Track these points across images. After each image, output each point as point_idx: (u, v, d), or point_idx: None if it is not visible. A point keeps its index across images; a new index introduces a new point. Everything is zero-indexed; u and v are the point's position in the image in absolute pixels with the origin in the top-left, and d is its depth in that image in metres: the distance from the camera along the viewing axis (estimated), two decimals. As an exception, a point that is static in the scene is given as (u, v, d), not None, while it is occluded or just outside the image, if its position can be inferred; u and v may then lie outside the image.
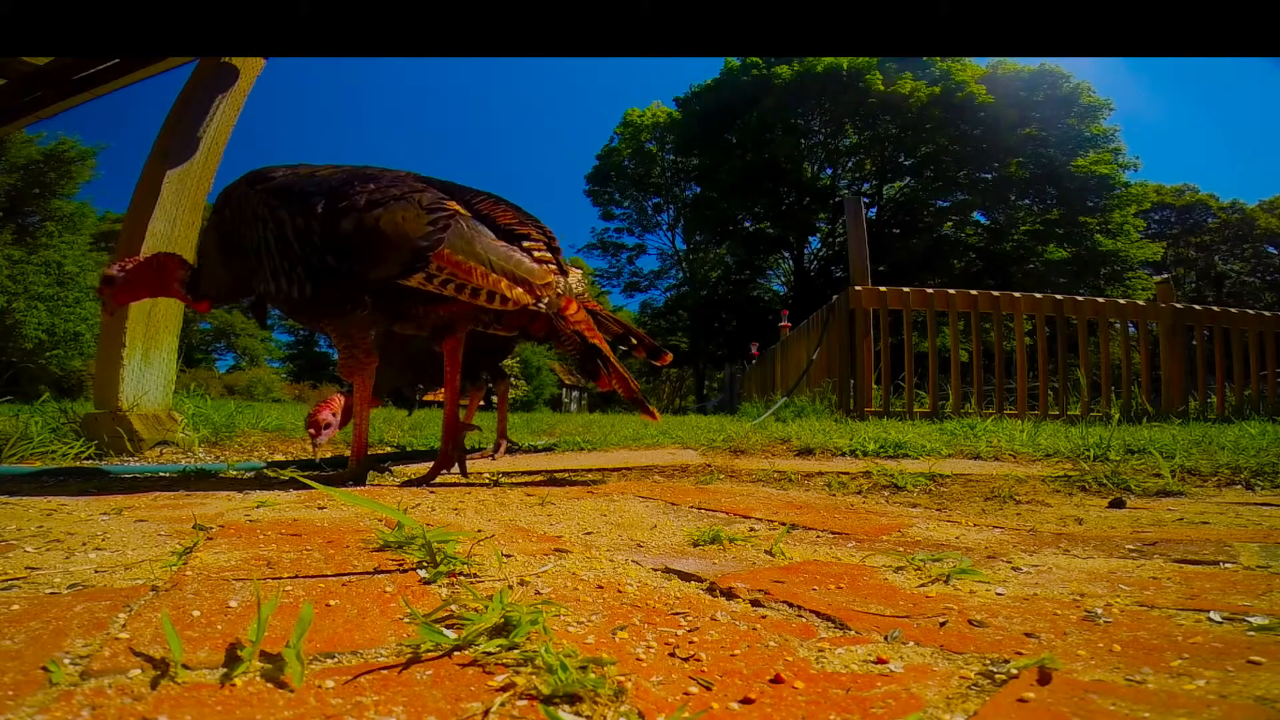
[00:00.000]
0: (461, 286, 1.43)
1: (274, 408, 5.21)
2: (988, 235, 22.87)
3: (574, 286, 1.86)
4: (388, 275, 1.42)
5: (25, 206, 17.53)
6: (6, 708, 0.38)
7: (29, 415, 2.30)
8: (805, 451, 2.15)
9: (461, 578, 0.69)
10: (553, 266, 1.58)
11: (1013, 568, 0.76)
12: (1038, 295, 4.54)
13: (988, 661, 0.47)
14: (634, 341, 1.82)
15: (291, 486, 1.50)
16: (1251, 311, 4.88)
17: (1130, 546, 0.87)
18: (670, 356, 1.89)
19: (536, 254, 1.55)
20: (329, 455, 2.25)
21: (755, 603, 0.63)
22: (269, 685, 0.42)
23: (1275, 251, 28.20)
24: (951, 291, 4.40)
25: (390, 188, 1.47)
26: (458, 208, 1.49)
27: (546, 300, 1.53)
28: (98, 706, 0.39)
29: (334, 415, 1.92)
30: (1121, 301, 4.80)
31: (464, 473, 1.69)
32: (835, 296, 4.62)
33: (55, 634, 0.50)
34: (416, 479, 1.61)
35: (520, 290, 1.47)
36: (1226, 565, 0.76)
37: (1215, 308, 4.84)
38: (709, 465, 1.88)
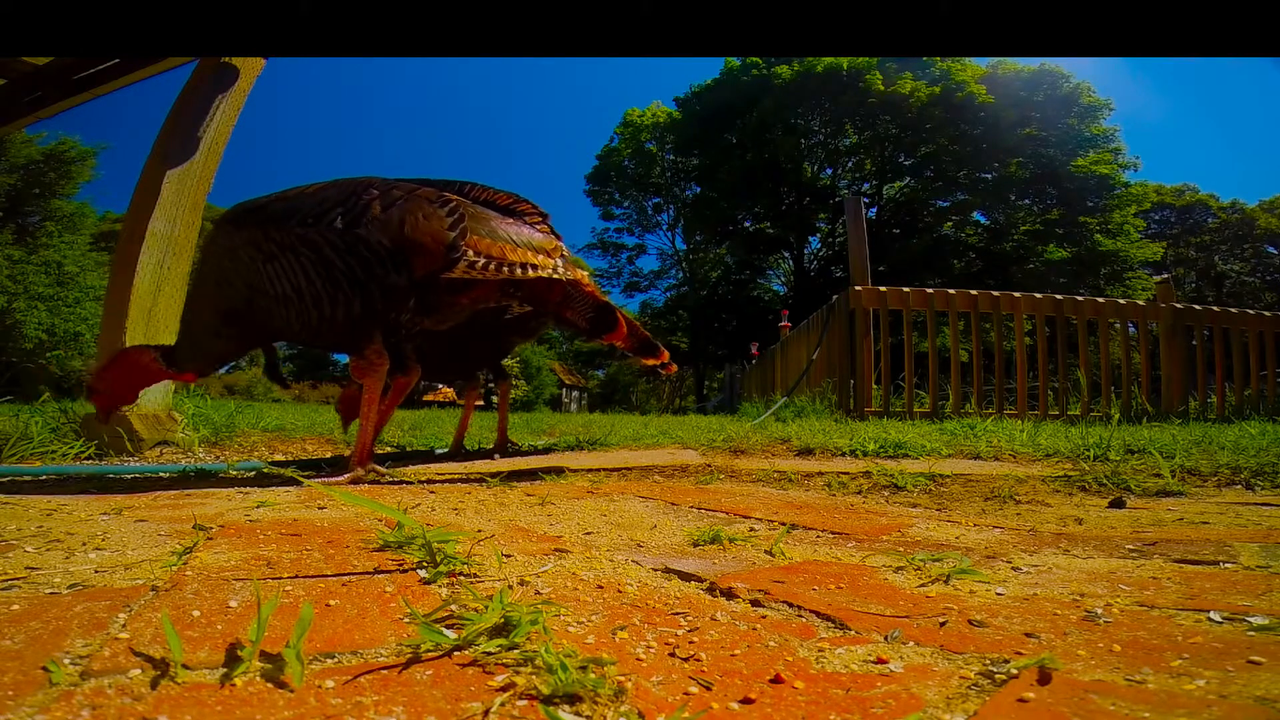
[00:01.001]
0: (500, 265, 1.48)
1: (274, 408, 5.21)
2: (988, 235, 22.85)
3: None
4: (432, 270, 1.45)
5: (25, 206, 17.51)
6: (6, 708, 0.38)
7: (29, 415, 2.30)
8: (805, 451, 2.15)
9: (461, 578, 0.69)
10: (555, 234, 1.68)
11: (1013, 568, 0.77)
12: (1038, 295, 4.54)
13: (988, 661, 0.47)
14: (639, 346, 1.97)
15: (292, 486, 1.50)
16: (1251, 311, 4.87)
17: (1130, 546, 0.87)
18: (674, 368, 2.02)
19: (538, 225, 1.64)
20: (329, 455, 2.25)
21: (755, 603, 0.63)
22: (269, 685, 0.42)
23: (1275, 251, 28.21)
24: (951, 291, 4.40)
25: (392, 190, 1.49)
26: (457, 198, 1.53)
27: (561, 264, 1.61)
28: (98, 706, 0.39)
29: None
30: (1121, 301, 4.80)
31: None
32: (835, 296, 4.62)
33: (55, 634, 0.50)
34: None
35: (543, 257, 1.56)
36: (1226, 565, 0.76)
37: (1215, 308, 4.84)
38: (709, 465, 1.88)
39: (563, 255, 1.64)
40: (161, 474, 1.75)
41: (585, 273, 1.74)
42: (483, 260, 1.47)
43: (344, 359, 1.67)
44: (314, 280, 1.43)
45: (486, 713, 0.39)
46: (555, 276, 1.58)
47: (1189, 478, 1.53)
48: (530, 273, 1.52)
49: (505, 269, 1.49)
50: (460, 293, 1.54)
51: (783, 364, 6.85)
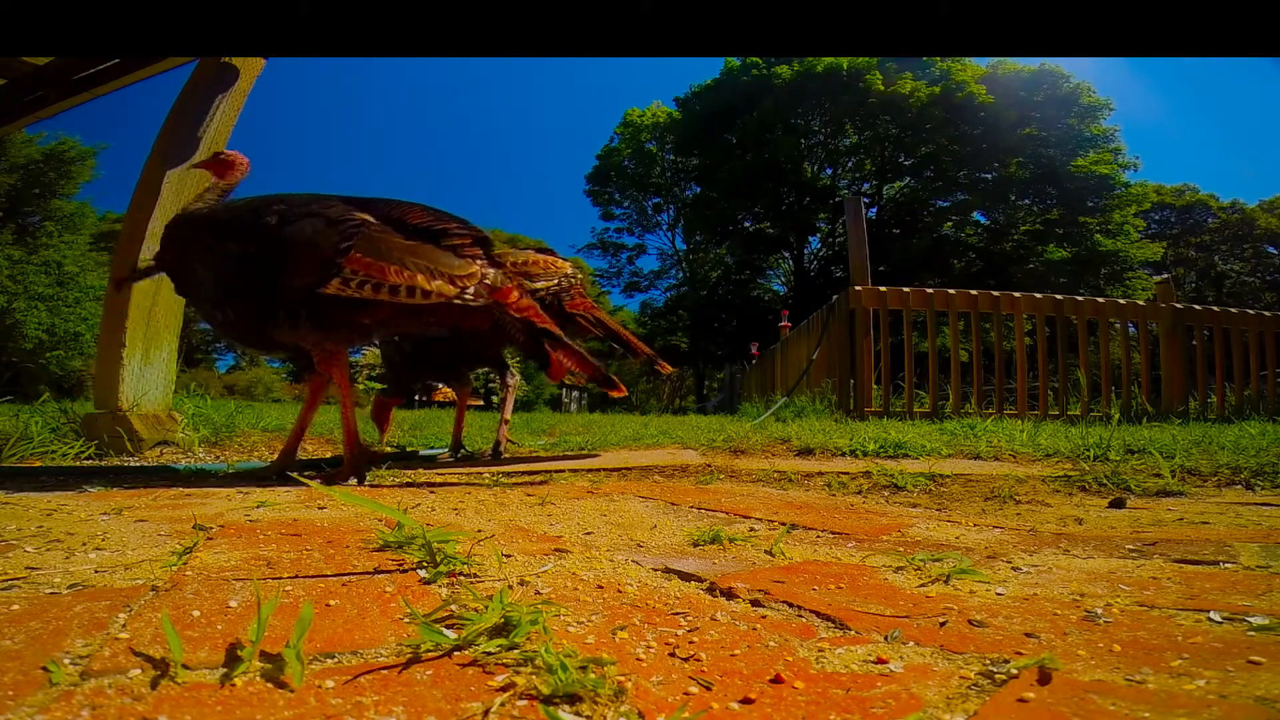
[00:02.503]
0: (378, 286, 1.44)
1: (274, 408, 5.21)
2: (988, 235, 22.84)
3: (538, 278, 2.08)
4: (308, 284, 1.46)
5: (25, 206, 17.53)
6: (6, 708, 0.38)
7: (29, 415, 2.30)
8: (805, 451, 2.15)
9: (461, 578, 0.69)
10: (477, 258, 1.57)
11: (1013, 568, 0.77)
12: (1038, 295, 4.54)
13: (988, 661, 0.47)
14: (622, 347, 1.90)
15: (292, 486, 1.50)
16: (1251, 311, 4.87)
17: (1130, 546, 0.87)
18: (669, 368, 1.94)
19: (452, 244, 1.56)
20: (329, 455, 2.25)
21: (755, 603, 0.63)
22: (269, 685, 0.42)
23: (1275, 251, 28.20)
24: (951, 291, 4.40)
25: (300, 206, 1.53)
26: (365, 216, 1.51)
27: (473, 290, 1.51)
28: (98, 706, 0.39)
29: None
30: (1121, 301, 4.80)
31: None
32: (835, 296, 4.61)
33: (55, 634, 0.50)
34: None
35: (440, 282, 1.46)
36: (1226, 565, 0.76)
37: (1215, 308, 4.84)
38: (709, 465, 1.88)
39: (483, 280, 1.53)
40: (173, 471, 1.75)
41: (515, 294, 1.57)
42: (359, 280, 1.43)
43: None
44: (210, 285, 1.55)
45: (486, 713, 0.39)
46: (457, 302, 1.49)
47: (1189, 478, 1.53)
48: (416, 297, 1.45)
49: (385, 290, 1.44)
50: (355, 310, 1.49)
51: (783, 364, 6.85)
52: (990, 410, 4.00)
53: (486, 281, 1.53)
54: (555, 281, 2.22)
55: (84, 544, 0.84)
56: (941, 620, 0.57)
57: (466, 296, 1.49)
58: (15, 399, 3.30)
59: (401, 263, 1.45)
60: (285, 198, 1.57)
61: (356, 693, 0.41)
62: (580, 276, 2.36)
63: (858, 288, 4.31)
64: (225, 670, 0.44)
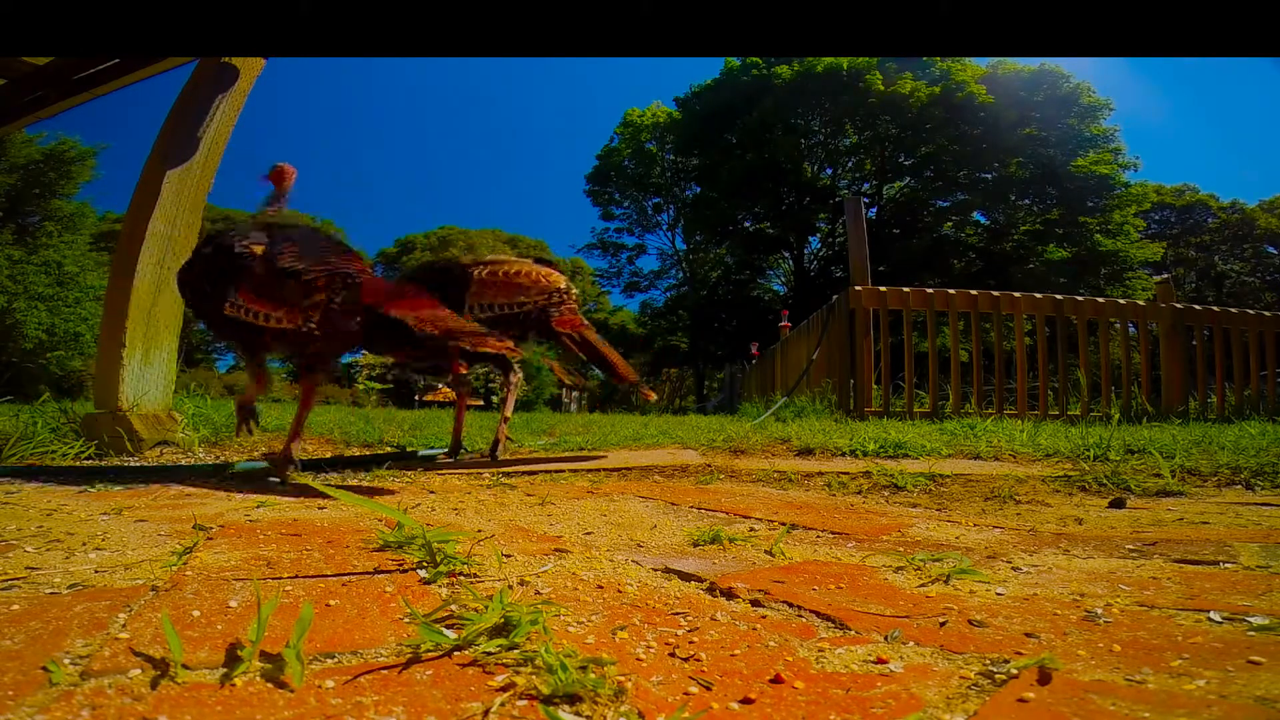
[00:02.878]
0: (251, 313, 1.71)
1: (274, 407, 5.20)
2: (988, 235, 22.84)
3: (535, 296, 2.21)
4: (220, 308, 1.73)
5: (25, 206, 17.51)
6: (6, 708, 0.38)
7: (29, 415, 2.30)
8: (805, 451, 2.15)
9: (461, 578, 0.69)
10: (310, 283, 1.72)
11: (1013, 568, 0.77)
12: (1038, 295, 4.54)
13: (988, 661, 0.47)
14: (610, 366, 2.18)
15: (292, 486, 1.50)
16: (1251, 311, 4.87)
17: (1130, 546, 0.87)
18: (653, 395, 2.25)
19: (306, 280, 1.72)
20: (329, 455, 2.25)
21: (755, 603, 0.63)
22: (269, 685, 0.42)
23: (1275, 251, 28.19)
24: (951, 291, 4.40)
25: (227, 239, 1.77)
26: (255, 250, 1.74)
27: (309, 313, 1.69)
28: (98, 706, 0.39)
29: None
30: (1121, 301, 4.80)
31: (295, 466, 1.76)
32: (835, 296, 4.61)
33: (55, 634, 0.50)
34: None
35: (283, 312, 1.70)
36: (1226, 565, 0.76)
37: (1215, 308, 4.83)
38: (709, 465, 1.88)
39: (320, 302, 1.69)
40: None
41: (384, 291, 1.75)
42: (245, 306, 1.70)
43: (347, 359, 1.77)
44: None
45: (486, 713, 0.39)
46: (300, 329, 1.69)
47: (1189, 478, 1.53)
48: (270, 322, 1.70)
49: (259, 317, 1.70)
50: (253, 332, 1.73)
51: (783, 364, 6.85)
52: (990, 410, 4.00)
53: (332, 301, 1.70)
54: (546, 296, 2.21)
55: (84, 544, 0.85)
56: (941, 620, 0.57)
57: (310, 325, 1.69)
58: (15, 399, 3.30)
59: (257, 289, 1.69)
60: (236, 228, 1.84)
61: (356, 693, 0.41)
62: (575, 292, 2.33)
63: (858, 288, 4.31)
64: (225, 670, 0.44)
